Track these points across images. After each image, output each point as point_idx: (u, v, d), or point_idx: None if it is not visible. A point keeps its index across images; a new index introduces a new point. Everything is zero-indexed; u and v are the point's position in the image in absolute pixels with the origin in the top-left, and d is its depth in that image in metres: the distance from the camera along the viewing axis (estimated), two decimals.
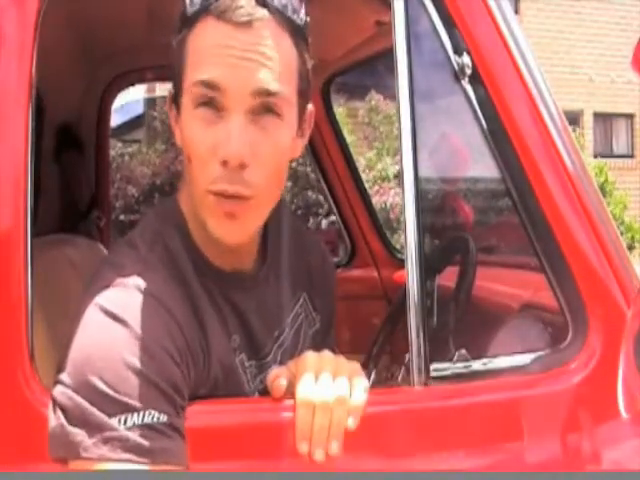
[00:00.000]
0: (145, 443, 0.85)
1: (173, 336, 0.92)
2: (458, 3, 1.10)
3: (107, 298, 0.92)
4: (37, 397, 0.93)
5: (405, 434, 1.03)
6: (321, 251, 1.28)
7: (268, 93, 0.94)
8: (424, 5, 1.10)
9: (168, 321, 0.93)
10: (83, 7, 1.51)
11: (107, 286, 0.94)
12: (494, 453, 1.04)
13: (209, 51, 0.94)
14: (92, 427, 0.85)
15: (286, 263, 1.16)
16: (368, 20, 1.65)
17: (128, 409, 0.85)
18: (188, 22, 0.96)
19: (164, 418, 0.87)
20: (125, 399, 0.86)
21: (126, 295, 0.93)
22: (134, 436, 0.85)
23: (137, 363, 0.87)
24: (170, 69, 1.00)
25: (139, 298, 0.93)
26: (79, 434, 0.86)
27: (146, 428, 0.86)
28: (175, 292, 0.97)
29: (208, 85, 0.93)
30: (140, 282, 0.94)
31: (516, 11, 13.49)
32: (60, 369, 0.90)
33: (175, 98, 1.00)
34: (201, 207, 0.98)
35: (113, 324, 0.90)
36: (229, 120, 0.93)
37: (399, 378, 1.30)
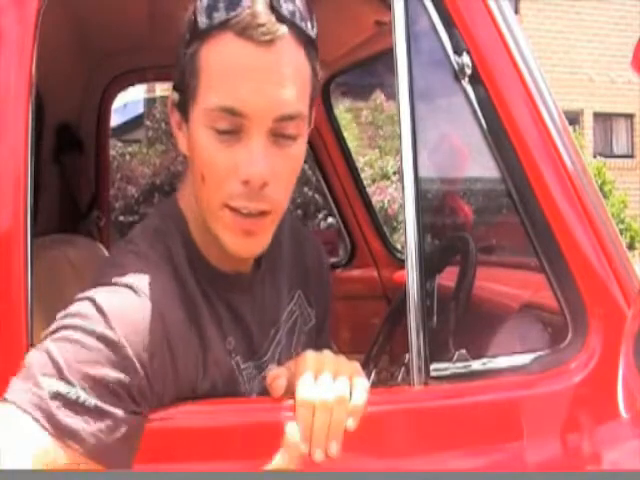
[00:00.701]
0: (56, 412, 0.84)
1: (156, 345, 0.91)
2: (458, 3, 1.10)
3: (101, 294, 0.92)
4: None
5: (405, 434, 1.04)
6: (316, 246, 1.28)
7: (290, 117, 0.94)
8: (424, 5, 1.10)
9: (157, 327, 0.91)
10: (83, 7, 1.52)
11: (105, 284, 0.94)
12: (494, 453, 1.04)
13: (229, 72, 0.92)
14: (25, 376, 0.86)
15: (281, 261, 1.16)
16: (368, 20, 1.65)
17: (61, 377, 0.85)
18: (202, 35, 0.94)
19: (91, 402, 0.85)
20: (63, 367, 0.85)
21: (119, 294, 0.92)
22: (50, 401, 0.84)
23: (97, 351, 0.87)
24: (177, 77, 0.99)
25: (130, 298, 0.92)
26: (15, 380, 0.86)
27: (67, 401, 0.85)
28: (174, 295, 0.96)
29: (229, 111, 0.92)
30: (139, 283, 0.94)
31: (516, 11, 13.50)
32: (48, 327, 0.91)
33: (181, 105, 0.99)
34: (215, 221, 0.98)
35: (94, 313, 0.89)
36: (250, 142, 0.93)
37: (399, 378, 1.30)
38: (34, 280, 0.97)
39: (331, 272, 1.34)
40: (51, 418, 0.84)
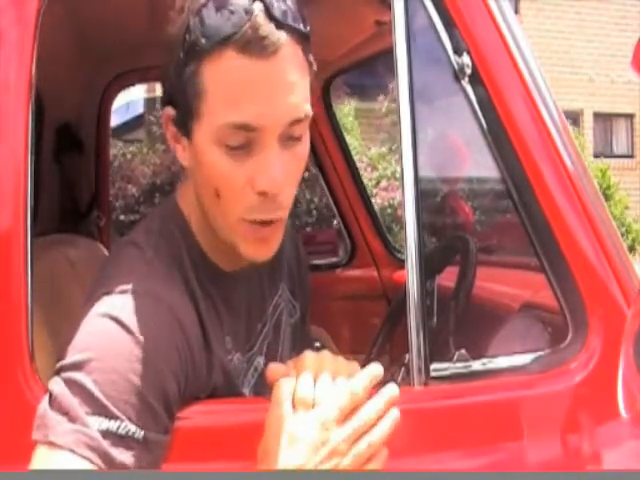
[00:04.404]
0: (109, 451, 0.83)
1: (179, 349, 0.91)
2: (458, 3, 1.10)
3: (115, 305, 0.91)
4: (37, 397, 0.92)
5: (405, 434, 1.03)
6: (293, 237, 1.28)
7: (300, 120, 0.94)
8: (424, 5, 1.10)
9: (177, 332, 0.92)
10: (83, 7, 1.52)
11: (114, 291, 0.92)
12: (494, 453, 1.04)
13: (237, 90, 0.91)
14: (69, 417, 0.84)
15: None
16: (368, 20, 1.65)
17: (107, 413, 0.84)
18: (200, 53, 0.91)
19: (140, 434, 0.85)
20: (107, 403, 0.84)
21: (134, 302, 0.91)
22: (102, 440, 0.83)
23: (133, 374, 0.86)
24: (173, 94, 0.97)
25: (148, 305, 0.91)
26: (55, 419, 0.85)
27: (117, 437, 0.84)
28: (183, 298, 0.97)
29: (244, 128, 0.91)
30: (149, 287, 0.93)
31: (516, 11, 13.50)
32: (60, 359, 0.89)
33: (179, 121, 0.97)
34: (234, 233, 0.98)
35: (119, 331, 0.88)
36: (263, 152, 0.93)
37: (399, 378, 1.30)
38: (34, 280, 0.97)
39: (308, 264, 1.35)
40: (105, 457, 0.83)
